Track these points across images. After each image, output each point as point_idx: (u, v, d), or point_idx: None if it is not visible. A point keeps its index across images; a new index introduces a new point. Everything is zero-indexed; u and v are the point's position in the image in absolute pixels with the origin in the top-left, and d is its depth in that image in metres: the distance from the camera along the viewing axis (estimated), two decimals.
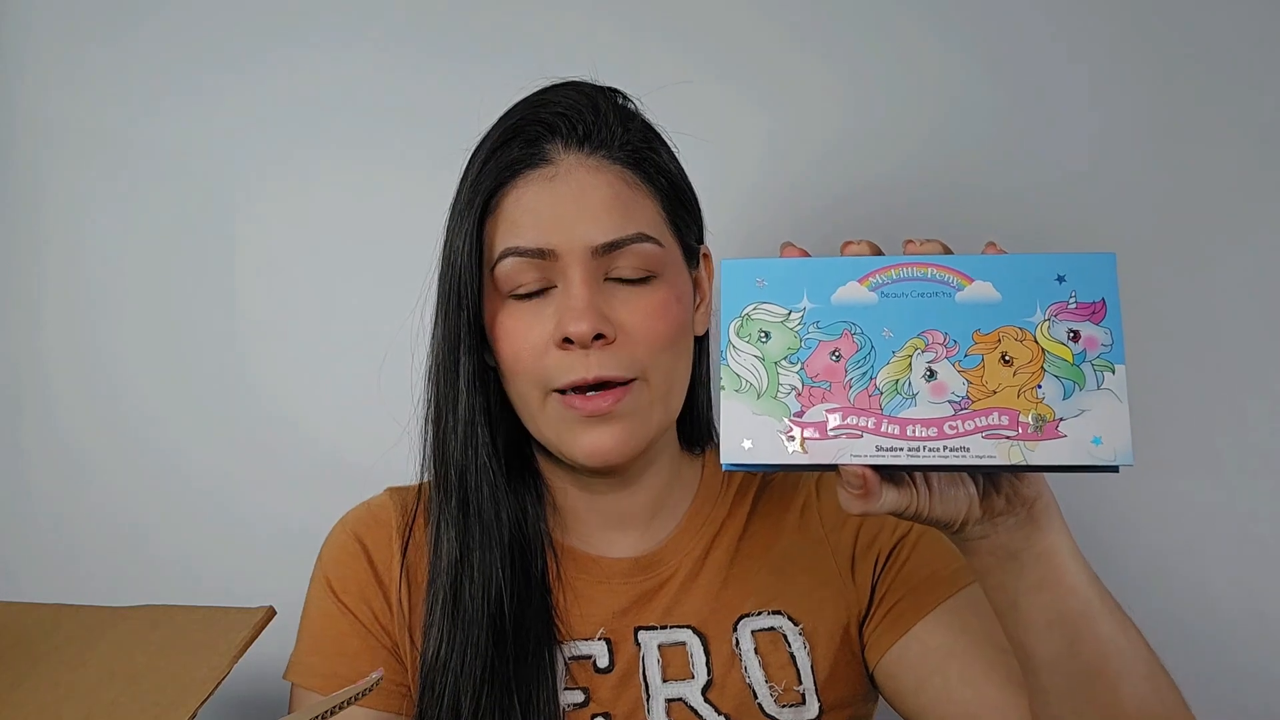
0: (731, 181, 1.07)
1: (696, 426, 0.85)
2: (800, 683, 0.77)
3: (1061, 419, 0.49)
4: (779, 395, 0.52)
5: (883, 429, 0.50)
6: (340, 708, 0.56)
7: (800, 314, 0.52)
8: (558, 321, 0.72)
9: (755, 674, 0.77)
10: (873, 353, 0.51)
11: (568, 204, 0.72)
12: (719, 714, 0.75)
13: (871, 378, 0.51)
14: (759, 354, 0.53)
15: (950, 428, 0.50)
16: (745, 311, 0.53)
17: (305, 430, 1.11)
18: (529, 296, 0.74)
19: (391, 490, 0.85)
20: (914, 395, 0.50)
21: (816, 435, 0.51)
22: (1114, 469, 0.49)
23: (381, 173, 1.12)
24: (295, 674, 0.78)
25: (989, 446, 0.49)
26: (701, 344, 0.82)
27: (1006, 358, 0.50)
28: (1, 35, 1.14)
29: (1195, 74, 1.10)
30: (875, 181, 1.11)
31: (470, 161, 0.77)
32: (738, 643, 0.77)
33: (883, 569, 0.79)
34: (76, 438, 1.11)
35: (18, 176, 1.13)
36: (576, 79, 0.79)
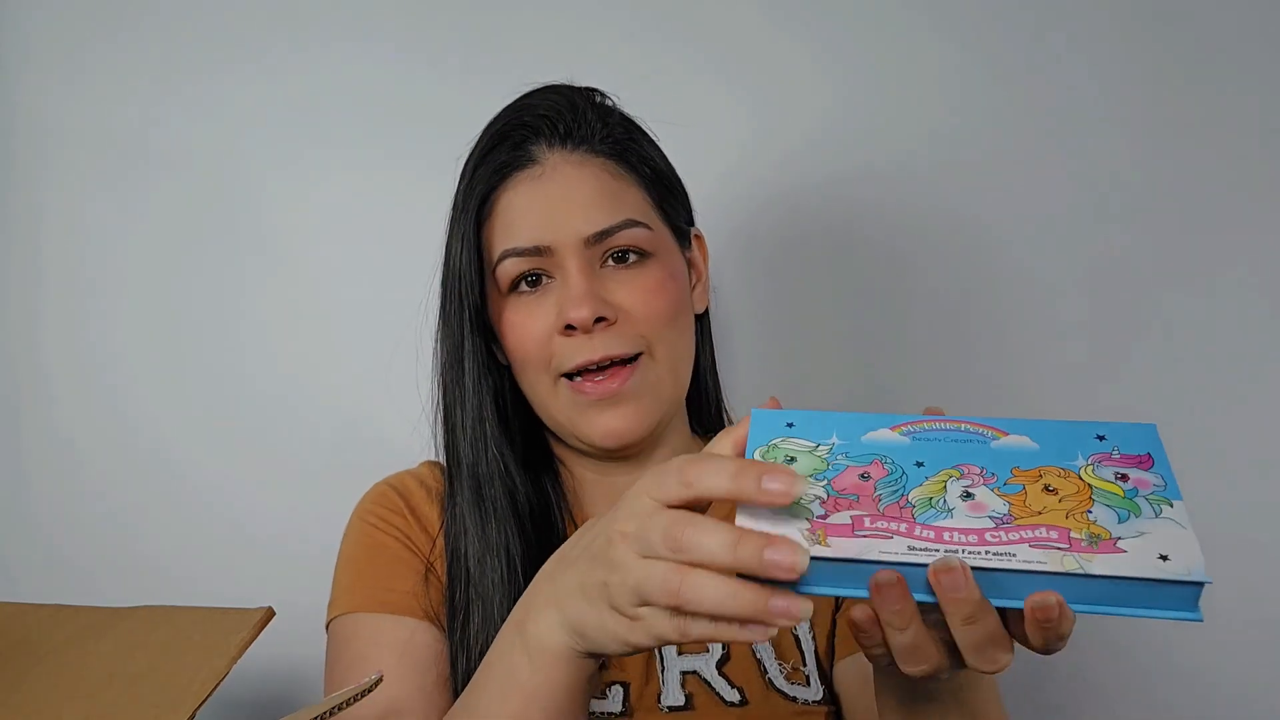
0: (715, 167, 1.08)
1: (706, 409, 0.88)
2: (805, 664, 0.78)
3: (1119, 538, 0.44)
4: (802, 502, 0.47)
5: (916, 533, 0.45)
6: (340, 708, 0.55)
7: (829, 447, 0.49)
8: (559, 311, 0.75)
9: (765, 650, 0.78)
10: (904, 476, 0.47)
11: (557, 200, 0.76)
12: (732, 687, 0.77)
13: (904, 494, 0.47)
14: None
15: (993, 536, 0.44)
16: (772, 443, 0.50)
17: (305, 431, 1.11)
18: (530, 290, 0.77)
19: (430, 462, 0.86)
20: (950, 510, 0.45)
21: (842, 534, 0.46)
22: (1193, 594, 0.43)
23: (382, 173, 1.12)
24: (338, 607, 0.78)
25: (1037, 554, 0.44)
26: (704, 325, 0.85)
27: (1050, 488, 0.46)
28: (2, 35, 1.14)
29: (1195, 71, 1.11)
30: (854, 171, 1.11)
31: (463, 170, 0.80)
32: None
33: None
34: (76, 438, 1.11)
35: (18, 176, 1.13)
36: (554, 83, 0.81)
